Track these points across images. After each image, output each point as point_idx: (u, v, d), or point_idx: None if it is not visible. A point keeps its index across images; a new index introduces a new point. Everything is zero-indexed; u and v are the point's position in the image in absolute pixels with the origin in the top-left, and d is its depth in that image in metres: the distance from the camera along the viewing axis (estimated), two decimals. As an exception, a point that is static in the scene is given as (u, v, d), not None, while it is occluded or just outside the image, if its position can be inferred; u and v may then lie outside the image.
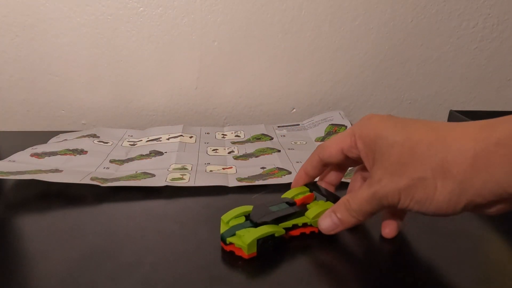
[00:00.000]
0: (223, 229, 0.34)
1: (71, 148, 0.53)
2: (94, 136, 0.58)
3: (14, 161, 0.48)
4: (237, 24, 0.65)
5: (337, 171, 0.38)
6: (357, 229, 0.37)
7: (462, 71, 0.71)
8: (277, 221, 0.34)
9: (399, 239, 0.36)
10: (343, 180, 0.47)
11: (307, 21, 0.66)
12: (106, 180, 0.45)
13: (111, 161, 0.51)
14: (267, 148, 0.57)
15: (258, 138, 0.61)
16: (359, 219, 0.31)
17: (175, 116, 0.69)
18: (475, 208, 0.27)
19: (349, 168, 0.50)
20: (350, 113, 0.72)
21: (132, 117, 0.68)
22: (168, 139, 0.58)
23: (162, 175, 0.47)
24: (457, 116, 0.57)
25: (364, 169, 0.36)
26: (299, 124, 0.68)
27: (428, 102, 0.73)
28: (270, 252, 0.33)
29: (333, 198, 0.37)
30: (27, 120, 0.67)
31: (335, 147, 0.34)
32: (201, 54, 0.66)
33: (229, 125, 0.70)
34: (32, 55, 0.63)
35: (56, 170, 0.46)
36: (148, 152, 0.54)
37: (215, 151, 0.56)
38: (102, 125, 0.68)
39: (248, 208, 0.36)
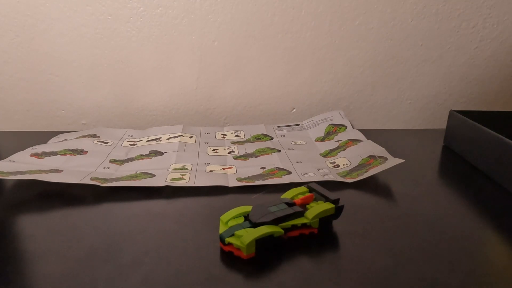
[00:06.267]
0: (222, 229, 0.34)
1: (71, 148, 0.53)
2: (94, 136, 0.58)
3: (14, 161, 0.48)
4: (237, 24, 0.65)
5: None
6: (355, 230, 0.37)
7: (462, 71, 0.71)
8: (276, 221, 0.34)
9: (399, 240, 0.36)
10: (343, 180, 0.47)
11: (307, 21, 0.66)
12: (106, 180, 0.45)
13: (111, 161, 0.51)
14: (267, 148, 0.57)
15: (258, 138, 0.61)
16: None
17: (175, 116, 0.69)
18: None
19: (349, 168, 0.50)
20: (350, 113, 0.72)
21: (132, 117, 0.68)
22: (168, 139, 0.58)
23: (162, 175, 0.47)
24: (457, 116, 0.57)
25: None
26: (299, 124, 0.68)
27: (428, 102, 0.73)
28: (269, 253, 0.33)
29: (333, 198, 0.37)
30: (27, 120, 0.67)
31: None
32: (201, 54, 0.66)
33: (229, 125, 0.70)
34: (32, 55, 0.63)
35: (56, 170, 0.46)
36: (148, 152, 0.54)
37: (215, 151, 0.56)
38: (102, 125, 0.68)
39: (247, 208, 0.36)
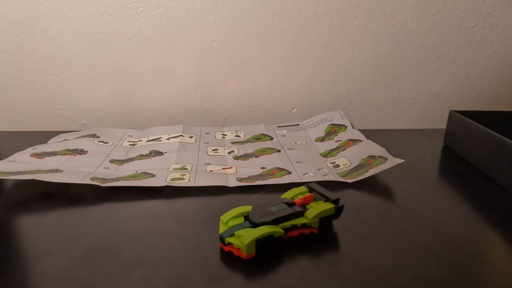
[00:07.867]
0: (222, 229, 0.34)
1: (71, 148, 0.53)
2: (94, 136, 0.58)
3: (14, 161, 0.48)
4: (237, 24, 0.65)
5: None
6: (355, 230, 0.37)
7: (462, 71, 0.71)
8: (276, 221, 0.34)
9: (399, 240, 0.36)
10: (343, 180, 0.47)
11: (307, 21, 0.66)
12: (106, 180, 0.45)
13: (111, 161, 0.51)
14: (267, 148, 0.57)
15: (258, 138, 0.61)
16: None
17: (175, 116, 0.69)
18: None
19: (349, 168, 0.50)
20: (350, 113, 0.72)
21: (132, 117, 0.68)
22: (168, 139, 0.58)
23: (162, 175, 0.47)
24: (457, 116, 0.57)
25: None
26: (299, 124, 0.68)
27: (428, 102, 0.73)
28: (269, 253, 0.33)
29: (333, 198, 0.37)
30: (27, 120, 0.67)
31: None
32: (201, 54, 0.66)
33: (229, 125, 0.70)
34: (32, 55, 0.63)
35: (56, 170, 0.46)
36: (148, 152, 0.54)
37: (215, 151, 0.56)
38: (102, 125, 0.68)
39: (247, 208, 0.36)
